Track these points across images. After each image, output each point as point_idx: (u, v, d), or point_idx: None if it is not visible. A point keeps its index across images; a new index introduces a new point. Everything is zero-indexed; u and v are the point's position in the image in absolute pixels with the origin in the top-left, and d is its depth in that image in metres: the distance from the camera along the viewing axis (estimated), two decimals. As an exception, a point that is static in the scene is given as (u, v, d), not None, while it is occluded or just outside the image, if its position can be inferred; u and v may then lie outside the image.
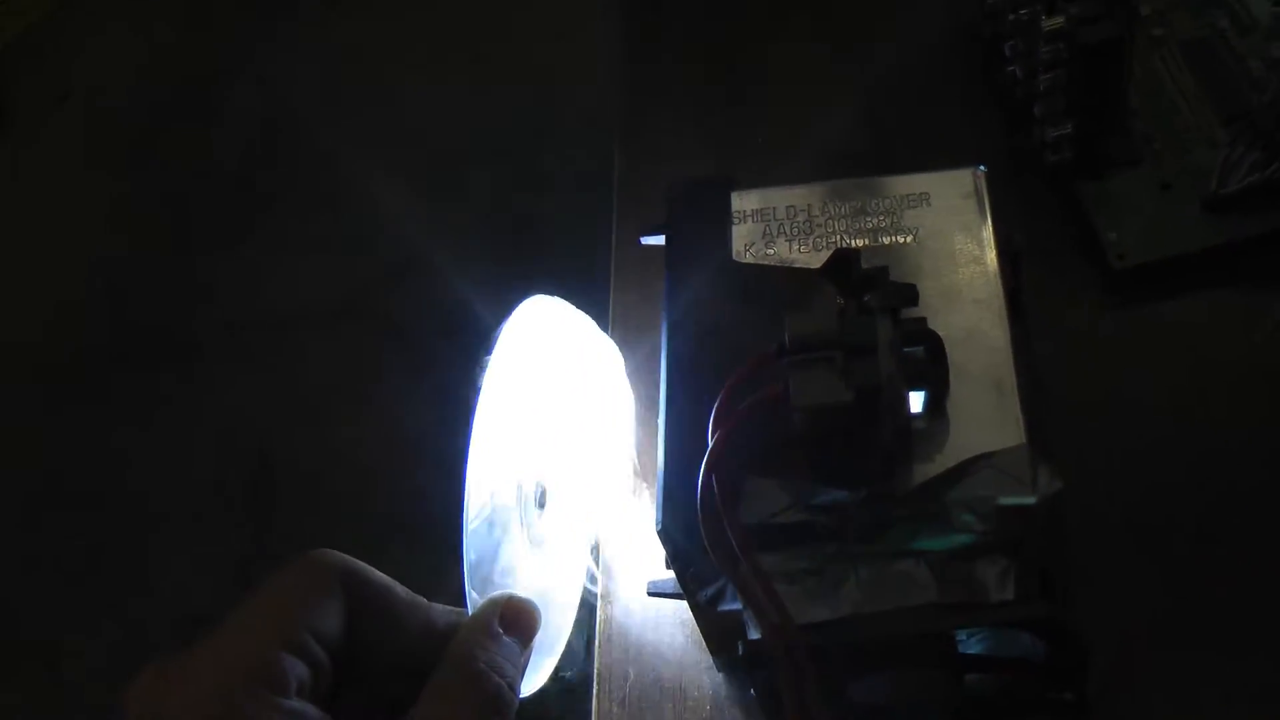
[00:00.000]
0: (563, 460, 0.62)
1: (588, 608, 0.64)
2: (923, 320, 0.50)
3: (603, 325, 0.68)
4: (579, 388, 0.63)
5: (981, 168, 0.56)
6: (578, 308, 0.63)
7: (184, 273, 2.01)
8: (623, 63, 0.88)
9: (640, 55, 0.88)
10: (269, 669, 0.44)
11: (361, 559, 0.50)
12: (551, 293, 0.61)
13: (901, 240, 0.55)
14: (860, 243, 0.55)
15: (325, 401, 1.84)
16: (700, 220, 0.58)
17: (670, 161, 0.81)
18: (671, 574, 0.53)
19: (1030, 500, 0.47)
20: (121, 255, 2.05)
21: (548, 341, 0.61)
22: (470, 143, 2.03)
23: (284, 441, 1.81)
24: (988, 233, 0.54)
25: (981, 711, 0.53)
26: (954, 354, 0.50)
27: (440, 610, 0.51)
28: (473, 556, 0.53)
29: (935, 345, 0.49)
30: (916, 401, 0.49)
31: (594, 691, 0.63)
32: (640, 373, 0.68)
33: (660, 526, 0.51)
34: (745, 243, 0.57)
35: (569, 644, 0.60)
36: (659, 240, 0.59)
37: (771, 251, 0.56)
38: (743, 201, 0.58)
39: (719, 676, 0.61)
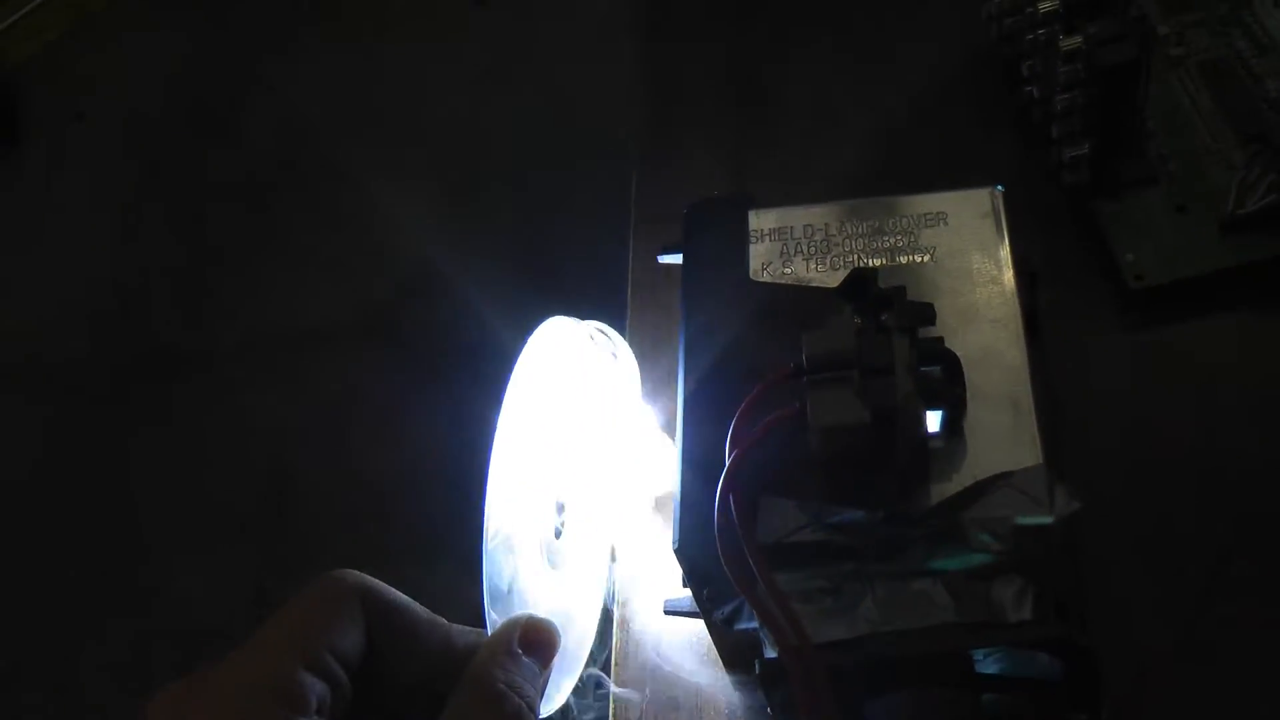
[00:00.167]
0: (582, 481, 0.62)
1: (605, 626, 0.64)
2: (940, 340, 0.50)
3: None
4: (598, 408, 0.63)
5: (999, 187, 0.56)
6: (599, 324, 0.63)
7: (200, 289, 2.02)
8: (641, 83, 0.88)
9: (659, 75, 0.88)
10: (289, 688, 0.44)
11: (376, 576, 0.50)
12: (569, 312, 0.61)
13: (919, 259, 0.55)
14: (878, 262, 0.55)
15: (340, 419, 1.84)
16: (718, 239, 0.58)
17: (688, 180, 0.81)
18: (688, 592, 0.54)
19: (1048, 520, 0.47)
20: (137, 272, 2.05)
21: (567, 363, 0.61)
22: (489, 161, 2.04)
23: (298, 458, 1.81)
24: (1005, 252, 0.54)
25: (998, 732, 0.53)
26: (971, 373, 0.50)
27: (460, 630, 0.51)
28: (492, 577, 0.53)
29: (952, 365, 0.49)
30: (933, 421, 0.49)
31: (610, 710, 0.63)
32: (657, 391, 0.68)
33: (677, 545, 0.51)
34: (762, 261, 0.57)
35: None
36: (676, 259, 0.59)
37: (789, 270, 0.56)
38: (760, 220, 0.58)
39: (735, 695, 0.61)
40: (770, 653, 0.49)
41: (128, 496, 1.82)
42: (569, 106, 2.06)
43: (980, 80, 0.79)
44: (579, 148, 1.99)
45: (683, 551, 0.50)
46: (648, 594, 0.65)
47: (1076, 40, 0.66)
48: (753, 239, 0.58)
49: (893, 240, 0.56)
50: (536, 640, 0.52)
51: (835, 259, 0.56)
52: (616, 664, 0.64)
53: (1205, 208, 0.69)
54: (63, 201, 2.17)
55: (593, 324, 0.63)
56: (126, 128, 2.24)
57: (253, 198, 2.09)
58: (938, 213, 0.56)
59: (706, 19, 0.89)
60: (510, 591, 0.54)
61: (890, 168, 0.77)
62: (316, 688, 0.45)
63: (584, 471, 0.62)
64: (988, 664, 0.50)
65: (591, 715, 0.61)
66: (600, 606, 0.61)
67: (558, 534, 0.59)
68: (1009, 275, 0.54)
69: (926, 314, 0.50)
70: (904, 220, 0.56)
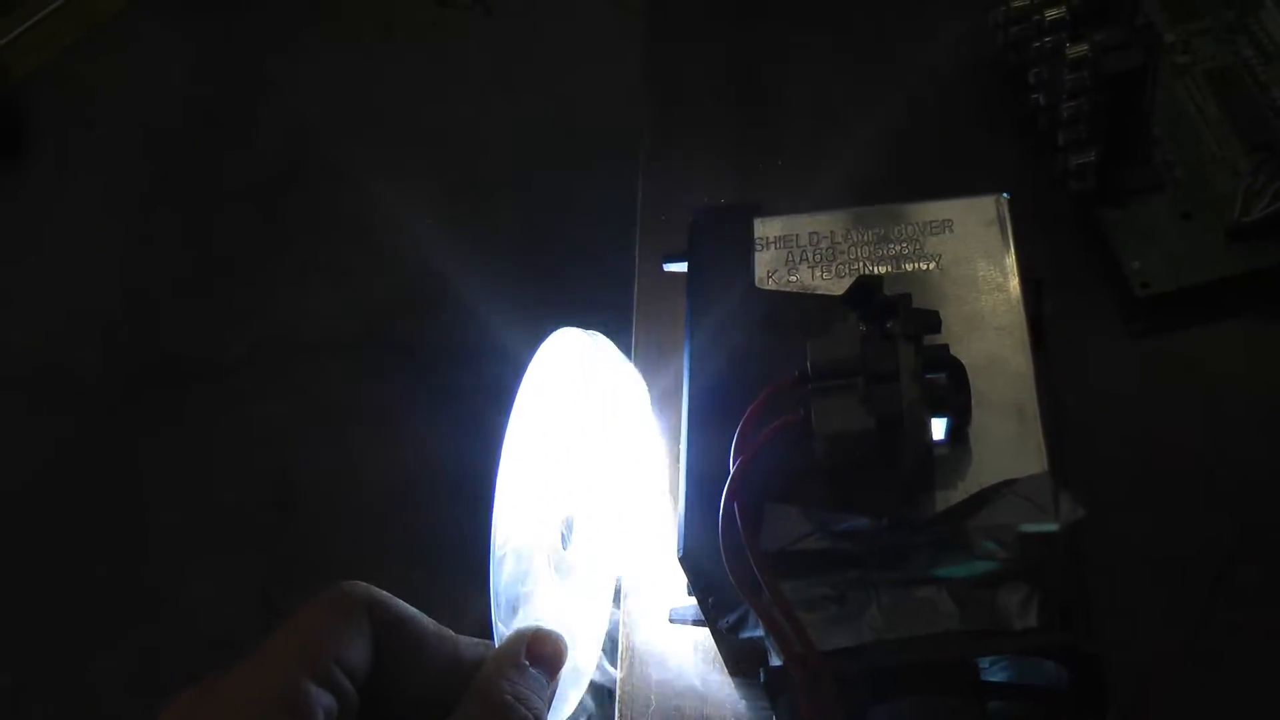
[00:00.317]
0: (589, 492, 0.62)
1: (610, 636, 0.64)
2: (945, 347, 0.50)
3: (625, 352, 0.68)
4: (606, 420, 0.63)
5: (1005, 195, 0.56)
6: (601, 333, 0.63)
7: (208, 297, 2.02)
8: (646, 89, 0.88)
9: (663, 82, 0.88)
10: (296, 700, 0.44)
11: (382, 585, 0.50)
12: (575, 320, 0.61)
13: (924, 267, 0.55)
14: (883, 269, 0.55)
15: (348, 428, 1.84)
16: (723, 247, 0.58)
17: (693, 189, 0.81)
18: (693, 601, 0.53)
19: (1053, 527, 0.46)
20: (146, 279, 2.06)
21: (575, 374, 0.61)
22: (494, 168, 2.04)
23: (305, 466, 1.81)
24: (1010, 260, 0.54)
25: (1004, 740, 0.53)
26: (976, 381, 0.50)
27: (467, 642, 0.51)
28: (499, 588, 0.53)
29: (957, 372, 0.49)
30: (938, 428, 0.49)
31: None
32: (663, 399, 0.68)
33: (682, 553, 0.51)
34: (768, 269, 0.57)
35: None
36: (682, 267, 0.59)
37: (794, 278, 0.56)
38: (766, 228, 0.58)
39: (741, 703, 0.61)
40: (775, 660, 0.49)
41: (136, 504, 1.83)
42: (574, 111, 2.06)
43: (986, 87, 0.79)
44: (584, 153, 1.99)
45: (687, 560, 0.50)
46: (653, 603, 0.65)
47: (1083, 48, 0.66)
48: (758, 247, 0.58)
49: (898, 248, 0.56)
50: (544, 652, 0.52)
51: (841, 266, 0.56)
52: (621, 673, 0.64)
53: (1211, 215, 0.69)
54: (71, 210, 2.18)
55: (598, 334, 0.63)
56: (135, 136, 2.24)
57: (261, 206, 2.09)
58: (943, 220, 0.56)
59: (709, 24, 0.89)
60: (517, 603, 0.54)
61: (895, 175, 0.77)
62: (324, 699, 0.45)
63: (592, 483, 0.62)
64: (993, 671, 0.50)
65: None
66: (607, 617, 0.61)
67: (565, 545, 0.59)
68: (1014, 283, 0.54)
69: (932, 321, 0.50)
70: (909, 228, 0.56)
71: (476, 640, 0.52)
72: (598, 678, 0.60)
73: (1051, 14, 0.69)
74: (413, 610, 0.50)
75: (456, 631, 0.52)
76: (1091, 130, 0.69)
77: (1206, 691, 0.57)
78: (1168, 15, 0.76)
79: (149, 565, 1.78)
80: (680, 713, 0.62)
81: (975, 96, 0.79)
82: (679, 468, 0.53)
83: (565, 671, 0.53)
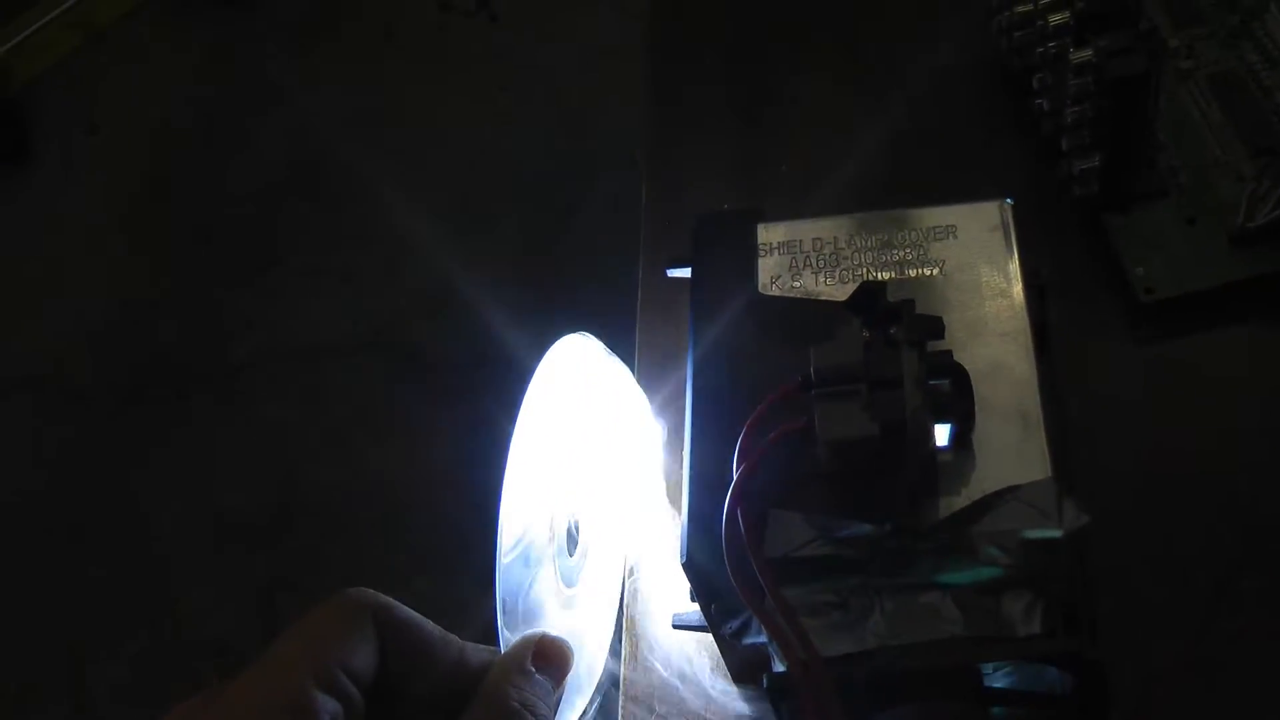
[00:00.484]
0: (595, 498, 0.62)
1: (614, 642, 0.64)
2: (949, 353, 0.50)
3: (629, 357, 0.68)
4: (611, 426, 0.63)
5: (1008, 200, 0.56)
6: (604, 340, 0.63)
7: (211, 304, 2.02)
8: (649, 96, 0.88)
9: (666, 88, 0.88)
10: (302, 706, 0.44)
11: (387, 591, 0.50)
12: (579, 325, 0.61)
13: (928, 273, 0.55)
14: (886, 275, 0.55)
15: (351, 433, 1.84)
16: (726, 253, 0.58)
17: (697, 194, 0.81)
18: (696, 607, 0.53)
19: (1056, 534, 0.46)
20: (149, 285, 2.06)
21: (581, 381, 0.61)
22: (499, 175, 2.04)
23: (309, 472, 1.81)
24: (1014, 266, 0.54)
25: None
26: (980, 387, 0.50)
27: (473, 648, 0.51)
28: (505, 594, 0.53)
29: (961, 378, 0.49)
30: (942, 434, 0.49)
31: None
32: (666, 405, 0.68)
33: (685, 559, 0.50)
34: (771, 275, 0.57)
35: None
36: (685, 273, 0.59)
37: (798, 284, 0.56)
38: (769, 234, 0.58)
39: (744, 709, 0.61)
40: (779, 667, 0.49)
41: (138, 509, 1.83)
42: (577, 117, 2.06)
43: (989, 92, 0.79)
44: (588, 159, 1.99)
45: (691, 565, 0.50)
46: (657, 608, 0.65)
47: (1087, 53, 0.66)
48: (762, 252, 0.58)
49: (902, 253, 0.56)
50: (550, 658, 0.52)
51: (844, 272, 0.56)
52: (625, 678, 0.64)
53: (1215, 220, 0.69)
54: (75, 214, 2.18)
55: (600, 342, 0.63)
56: (138, 141, 2.24)
57: (263, 211, 2.09)
58: (947, 226, 0.56)
59: (713, 30, 0.89)
60: (524, 609, 0.54)
61: (899, 180, 0.77)
62: (329, 706, 0.45)
63: (597, 489, 0.62)
64: (996, 678, 0.50)
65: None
66: (613, 623, 0.61)
67: (571, 551, 0.59)
68: (1018, 288, 0.54)
69: (935, 327, 0.50)
70: (913, 233, 0.56)
71: (482, 646, 0.52)
72: (603, 683, 0.60)
73: (1055, 19, 0.69)
74: (418, 616, 0.50)
75: (462, 637, 0.51)
76: (1095, 135, 0.69)
77: (1209, 698, 0.57)
78: (1171, 20, 0.76)
79: (152, 571, 1.78)
80: (685, 717, 0.62)
81: (978, 101, 0.79)
82: (682, 473, 0.53)
83: (571, 678, 0.53)
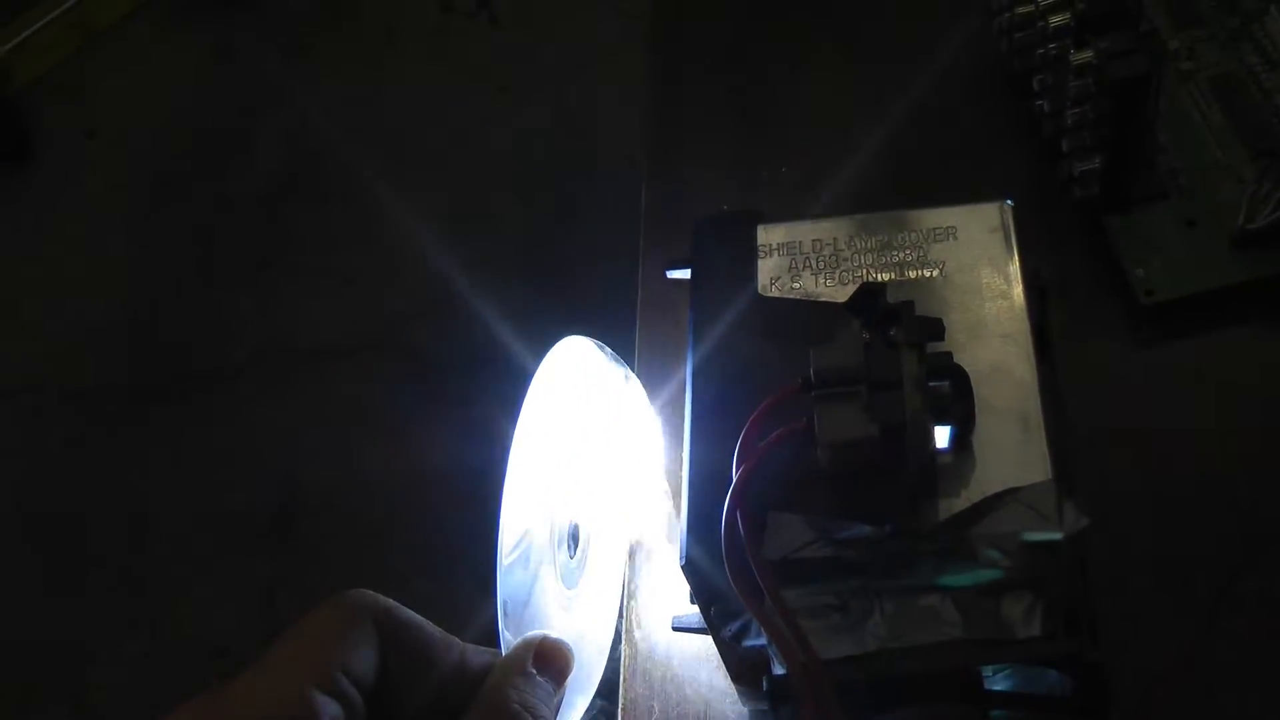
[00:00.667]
0: (596, 499, 0.62)
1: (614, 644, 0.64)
2: (949, 355, 0.50)
3: (629, 359, 0.68)
4: (612, 428, 0.63)
5: (1009, 201, 0.56)
6: (605, 341, 0.63)
7: (212, 305, 2.02)
8: (649, 96, 0.88)
9: (666, 89, 0.88)
10: (302, 708, 0.44)
11: (387, 592, 0.50)
12: (579, 326, 0.61)
13: (928, 274, 0.55)
14: (886, 276, 0.55)
15: (352, 434, 1.84)
16: (726, 254, 0.58)
17: (697, 195, 0.81)
18: (696, 609, 0.53)
19: (1057, 536, 0.46)
20: (149, 287, 2.06)
21: (581, 382, 0.61)
22: (499, 176, 2.04)
23: (310, 473, 1.81)
24: (1014, 267, 0.54)
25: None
26: (980, 389, 0.49)
27: (474, 650, 0.51)
28: (506, 596, 0.53)
29: (961, 380, 0.49)
30: (942, 436, 0.49)
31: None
32: (666, 406, 0.68)
33: (684, 561, 0.50)
34: (771, 276, 0.57)
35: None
36: (685, 274, 0.59)
37: (797, 285, 0.56)
38: (769, 235, 0.58)
39: (744, 712, 0.61)
40: (778, 669, 0.49)
41: (139, 510, 1.83)
42: (577, 118, 2.06)
43: (990, 94, 0.79)
44: (588, 160, 2.00)
45: (690, 567, 0.50)
46: (656, 610, 0.65)
47: (1087, 55, 0.66)
48: (761, 254, 0.57)
49: (902, 255, 0.56)
50: (551, 660, 0.52)
51: (844, 274, 0.56)
52: (624, 681, 0.64)
53: (1216, 222, 0.69)
54: (74, 216, 2.18)
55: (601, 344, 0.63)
56: (138, 143, 2.24)
57: (264, 212, 2.09)
58: (947, 227, 0.56)
59: (713, 31, 0.89)
60: (524, 611, 0.54)
61: (899, 181, 0.77)
62: (330, 708, 0.45)
63: (598, 490, 0.62)
64: (996, 680, 0.50)
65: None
66: (613, 625, 0.61)
67: (571, 553, 0.59)
68: (1018, 290, 0.54)
69: (935, 329, 0.50)
70: (913, 235, 0.56)
71: (483, 648, 0.52)
72: (602, 686, 0.60)
73: (1056, 20, 0.69)
74: (419, 618, 0.50)
75: (463, 639, 0.51)
76: (1096, 137, 0.69)
77: (1210, 701, 0.57)
78: (1172, 22, 0.76)
79: (152, 571, 1.78)
80: (684, 719, 0.62)
81: (979, 103, 0.79)
82: (682, 475, 0.53)
83: (572, 679, 0.53)
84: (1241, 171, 0.70)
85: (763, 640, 0.50)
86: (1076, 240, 0.71)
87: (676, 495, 0.63)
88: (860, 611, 0.49)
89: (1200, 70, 0.74)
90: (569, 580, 0.58)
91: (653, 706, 0.63)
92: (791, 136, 0.82)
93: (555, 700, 0.52)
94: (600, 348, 0.62)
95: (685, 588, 0.52)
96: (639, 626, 0.65)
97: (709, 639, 0.55)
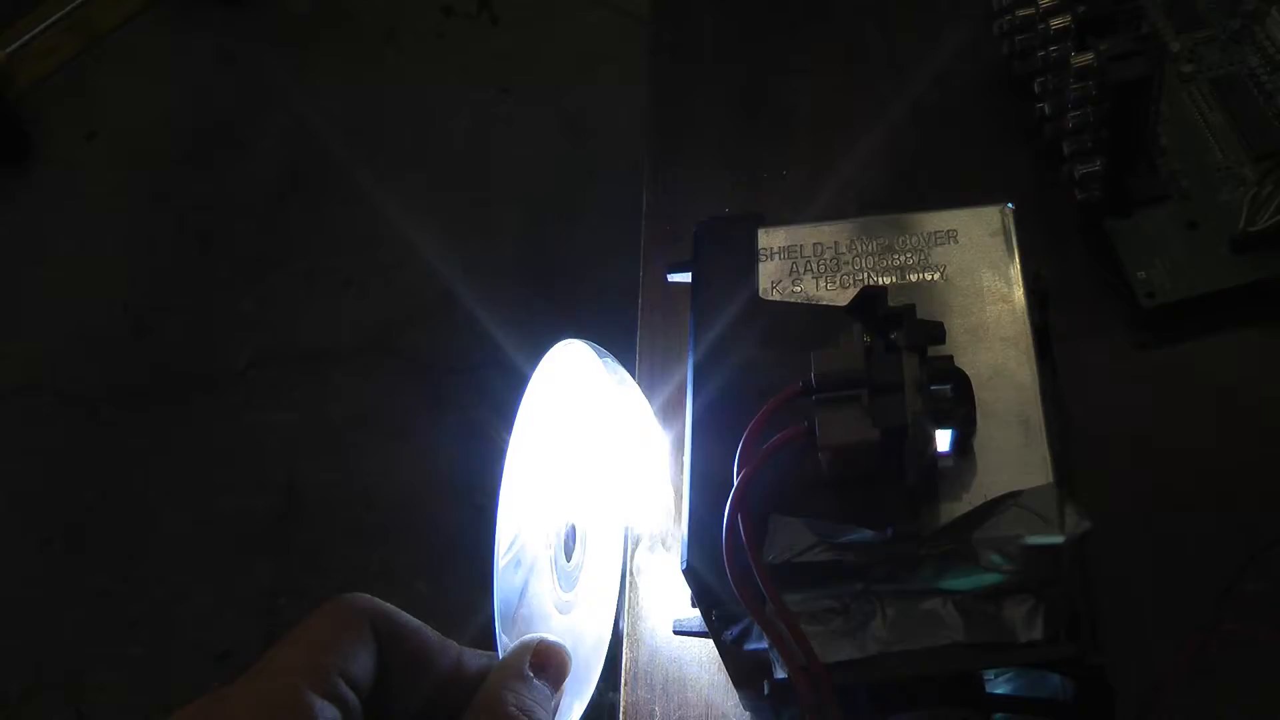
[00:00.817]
0: (593, 502, 0.62)
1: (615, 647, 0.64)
2: (950, 358, 0.50)
3: (630, 362, 0.68)
4: (609, 431, 0.63)
5: (1010, 205, 0.56)
6: (605, 344, 0.63)
7: (211, 307, 2.02)
8: (651, 99, 0.88)
9: (668, 91, 0.88)
10: (300, 712, 0.44)
11: (386, 594, 0.50)
12: (579, 330, 0.61)
13: (929, 278, 0.55)
14: (887, 280, 0.55)
15: (352, 437, 1.84)
16: (727, 258, 0.58)
17: (698, 199, 0.81)
18: (697, 613, 0.53)
19: (1058, 540, 0.46)
20: (149, 290, 2.06)
21: (578, 386, 0.61)
22: (499, 179, 2.04)
23: (310, 476, 1.81)
24: (1015, 270, 0.54)
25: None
26: (981, 392, 0.49)
27: (471, 653, 0.51)
28: (503, 599, 0.52)
29: (962, 383, 0.49)
30: (943, 440, 0.49)
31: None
32: (667, 410, 0.68)
33: (686, 565, 0.50)
34: (772, 280, 0.57)
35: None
36: (686, 278, 0.59)
37: (798, 289, 0.56)
38: (770, 238, 0.58)
39: (745, 716, 0.61)
40: (780, 673, 0.49)
41: (139, 514, 1.83)
42: (578, 121, 2.06)
43: (991, 97, 0.79)
44: (588, 163, 2.00)
45: (691, 571, 0.50)
46: (658, 614, 0.65)
47: (1088, 57, 0.66)
48: (762, 257, 0.57)
49: (903, 258, 0.56)
50: (548, 663, 0.52)
51: (845, 277, 0.56)
52: (626, 684, 0.64)
53: (1217, 224, 0.69)
54: (74, 219, 2.18)
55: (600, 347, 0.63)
56: (137, 146, 2.25)
57: (264, 217, 2.10)
58: (948, 230, 0.56)
59: (714, 34, 0.89)
60: (521, 614, 0.54)
61: (900, 184, 0.77)
62: (327, 712, 0.45)
63: (595, 494, 0.62)
64: (998, 684, 0.50)
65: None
66: (611, 628, 0.61)
67: (568, 555, 0.59)
68: (1019, 293, 0.53)
69: (936, 332, 0.50)
70: (914, 238, 0.56)
71: (480, 651, 0.52)
72: (601, 689, 0.60)
73: (1056, 23, 0.69)
74: (416, 621, 0.50)
75: (461, 641, 0.51)
76: (1096, 140, 0.69)
77: (1213, 704, 0.57)
78: (1173, 24, 0.76)
79: (152, 575, 1.78)
80: (685, 724, 0.62)
81: (979, 106, 0.79)
82: (683, 479, 0.53)
83: (569, 683, 0.53)
84: (1243, 173, 0.70)
85: (764, 644, 0.49)
86: (1077, 243, 0.71)
87: (678, 499, 0.63)
88: (862, 615, 0.48)
89: (1201, 72, 0.74)
90: (566, 583, 0.58)
91: (654, 710, 0.63)
92: (792, 140, 0.82)
93: (552, 703, 0.51)
94: (597, 351, 0.62)
95: (686, 591, 0.52)
96: (640, 630, 0.65)
97: (710, 642, 0.55)
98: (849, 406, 0.47)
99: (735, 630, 0.52)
